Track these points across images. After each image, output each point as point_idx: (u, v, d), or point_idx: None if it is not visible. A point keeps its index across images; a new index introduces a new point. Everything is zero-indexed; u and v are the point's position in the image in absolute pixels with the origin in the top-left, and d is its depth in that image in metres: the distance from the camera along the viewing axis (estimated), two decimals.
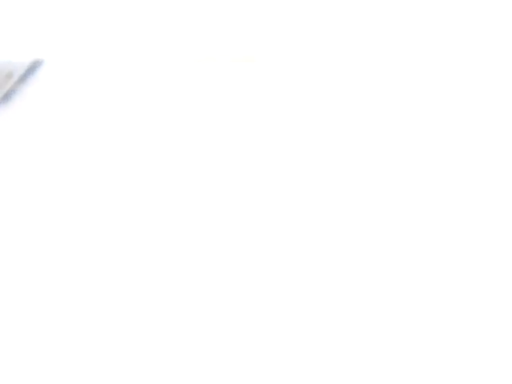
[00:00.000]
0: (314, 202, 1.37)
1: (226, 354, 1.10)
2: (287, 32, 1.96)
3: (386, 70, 1.72)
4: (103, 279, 1.26)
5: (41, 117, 1.70)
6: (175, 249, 1.30)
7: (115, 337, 1.15)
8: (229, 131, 1.60)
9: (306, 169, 1.45)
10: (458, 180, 1.36)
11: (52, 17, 2.08)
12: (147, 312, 1.19)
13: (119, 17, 2.08)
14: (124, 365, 1.10)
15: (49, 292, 1.24)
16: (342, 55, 1.83)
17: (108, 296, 1.22)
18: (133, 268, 1.28)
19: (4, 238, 1.36)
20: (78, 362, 1.11)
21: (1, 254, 1.33)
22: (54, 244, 1.33)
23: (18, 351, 1.14)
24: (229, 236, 1.31)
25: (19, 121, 1.69)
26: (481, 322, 1.11)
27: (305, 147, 1.52)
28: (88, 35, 2.05)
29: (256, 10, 2.03)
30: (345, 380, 1.05)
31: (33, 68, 1.88)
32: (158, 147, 1.57)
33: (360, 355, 1.08)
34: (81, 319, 1.18)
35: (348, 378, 1.05)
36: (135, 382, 1.07)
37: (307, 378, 1.06)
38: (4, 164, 1.56)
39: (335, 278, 1.20)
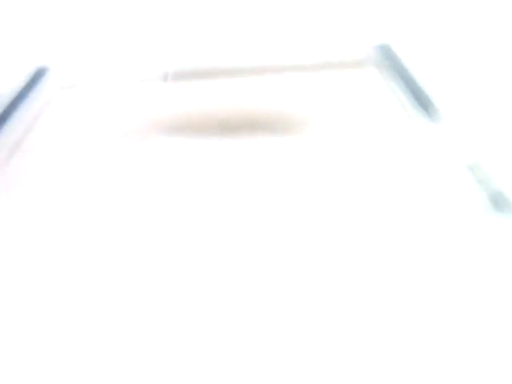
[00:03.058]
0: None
1: (225, 353, 1.10)
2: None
3: None
4: (105, 283, 1.26)
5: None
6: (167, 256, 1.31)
7: (115, 337, 1.14)
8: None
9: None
10: None
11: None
12: (145, 317, 1.19)
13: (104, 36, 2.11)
14: (123, 365, 1.09)
15: (51, 302, 1.24)
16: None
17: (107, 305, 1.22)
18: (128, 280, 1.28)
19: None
20: (78, 361, 1.10)
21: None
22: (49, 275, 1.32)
23: (18, 350, 1.13)
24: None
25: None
26: (477, 324, 1.12)
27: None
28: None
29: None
30: (344, 380, 1.05)
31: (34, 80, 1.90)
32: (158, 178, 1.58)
33: (359, 354, 1.08)
34: (81, 321, 1.18)
35: (348, 378, 1.05)
36: (135, 381, 1.06)
37: (307, 378, 1.05)
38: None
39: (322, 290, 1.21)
